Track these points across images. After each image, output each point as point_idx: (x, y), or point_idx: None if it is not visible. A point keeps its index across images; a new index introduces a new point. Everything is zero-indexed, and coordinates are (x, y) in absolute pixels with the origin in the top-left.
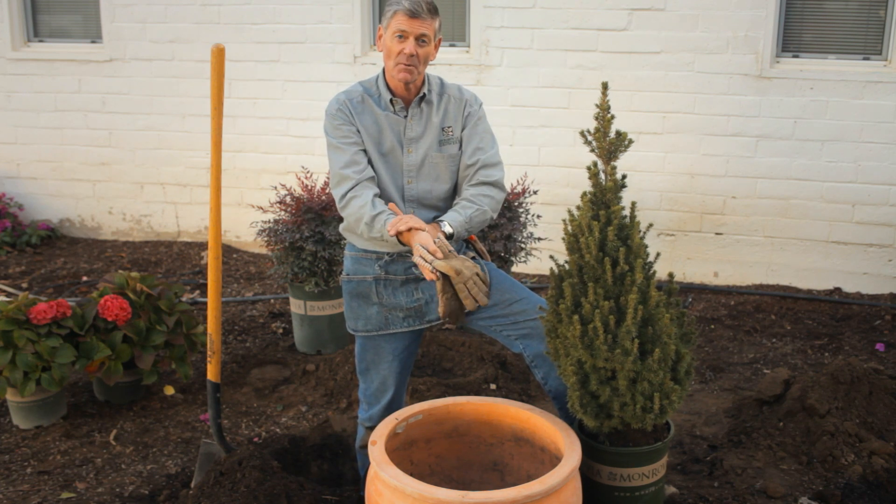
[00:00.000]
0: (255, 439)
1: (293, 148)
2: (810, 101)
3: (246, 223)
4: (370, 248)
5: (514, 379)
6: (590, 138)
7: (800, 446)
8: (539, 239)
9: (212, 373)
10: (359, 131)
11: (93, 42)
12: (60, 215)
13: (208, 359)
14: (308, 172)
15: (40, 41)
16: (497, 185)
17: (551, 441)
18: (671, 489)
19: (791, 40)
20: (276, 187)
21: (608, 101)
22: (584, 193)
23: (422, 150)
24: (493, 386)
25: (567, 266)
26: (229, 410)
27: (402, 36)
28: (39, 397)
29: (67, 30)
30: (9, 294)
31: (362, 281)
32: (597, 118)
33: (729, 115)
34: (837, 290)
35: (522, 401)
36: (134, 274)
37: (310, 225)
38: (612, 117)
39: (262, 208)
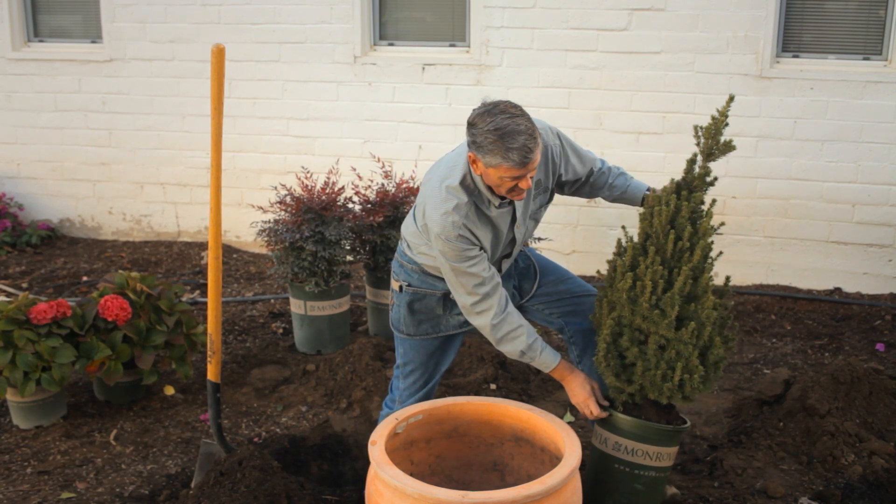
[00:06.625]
0: (255, 439)
1: (293, 148)
2: (810, 101)
3: (246, 223)
4: (439, 274)
5: (514, 379)
6: (700, 133)
7: (800, 446)
8: (539, 239)
9: (212, 373)
10: (482, 244)
11: (93, 42)
12: (60, 215)
13: (208, 359)
14: (308, 172)
15: (40, 41)
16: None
17: (551, 441)
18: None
19: (791, 40)
20: (276, 187)
21: (728, 109)
22: (672, 179)
23: (526, 216)
24: (493, 386)
25: (634, 237)
26: (229, 410)
27: (515, 178)
28: (39, 397)
29: (67, 30)
30: (9, 294)
31: (430, 295)
32: (714, 118)
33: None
34: (837, 290)
35: (522, 401)
36: (134, 274)
37: (310, 225)
38: (727, 124)
39: (262, 208)
